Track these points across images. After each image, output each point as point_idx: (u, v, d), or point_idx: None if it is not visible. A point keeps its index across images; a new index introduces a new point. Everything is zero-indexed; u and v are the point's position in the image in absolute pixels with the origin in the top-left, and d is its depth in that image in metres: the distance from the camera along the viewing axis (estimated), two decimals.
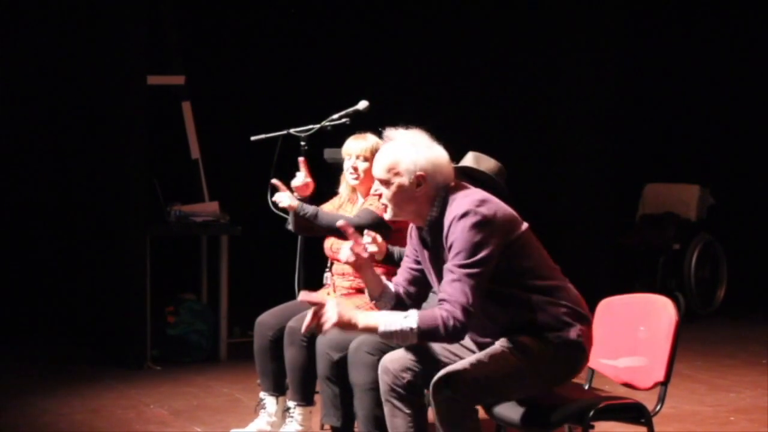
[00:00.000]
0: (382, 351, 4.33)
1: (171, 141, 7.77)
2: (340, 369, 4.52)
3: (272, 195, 5.03)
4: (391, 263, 4.62)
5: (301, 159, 5.07)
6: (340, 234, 4.72)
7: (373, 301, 3.94)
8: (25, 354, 7.30)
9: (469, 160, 4.58)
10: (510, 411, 3.75)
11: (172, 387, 6.42)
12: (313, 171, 5.14)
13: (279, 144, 5.34)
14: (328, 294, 5.06)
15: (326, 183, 5.30)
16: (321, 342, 4.60)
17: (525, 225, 3.73)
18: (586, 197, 9.06)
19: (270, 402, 5.02)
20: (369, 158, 5.03)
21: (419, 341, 3.58)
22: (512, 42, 9.13)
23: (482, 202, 3.63)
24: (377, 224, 4.75)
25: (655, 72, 9.83)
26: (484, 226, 3.57)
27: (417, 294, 3.94)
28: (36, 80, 7.90)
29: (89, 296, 7.58)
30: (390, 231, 4.84)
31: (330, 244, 5.06)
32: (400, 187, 3.72)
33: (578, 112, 9.14)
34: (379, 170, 3.76)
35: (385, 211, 3.79)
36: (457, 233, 3.57)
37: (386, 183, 3.74)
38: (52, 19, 7.87)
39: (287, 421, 4.90)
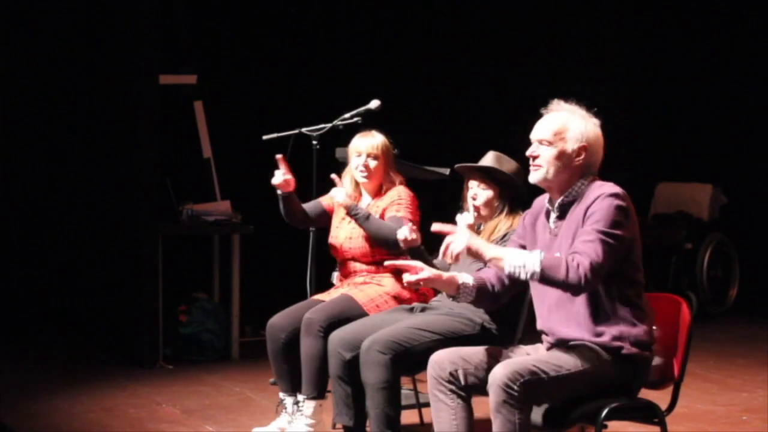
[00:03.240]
0: (394, 350, 4.34)
1: (183, 140, 7.78)
2: (351, 368, 4.52)
3: (279, 186, 5.05)
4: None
5: (279, 156, 5.04)
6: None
7: (453, 299, 3.93)
8: (37, 353, 7.32)
9: (490, 159, 4.56)
10: None
11: (184, 386, 6.43)
12: (319, 169, 5.14)
13: (291, 143, 5.34)
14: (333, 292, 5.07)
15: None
16: (333, 341, 4.60)
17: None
18: None
19: (289, 402, 5.00)
20: (378, 156, 5.02)
21: (541, 279, 3.57)
22: (522, 40, 9.12)
23: (626, 195, 3.70)
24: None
25: (667, 71, 9.80)
26: (627, 214, 3.67)
27: (508, 285, 3.89)
28: (48, 79, 7.92)
29: (102, 295, 7.59)
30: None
31: (340, 243, 5.05)
32: (562, 152, 3.76)
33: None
34: (545, 131, 3.79)
35: (536, 169, 3.75)
36: (604, 207, 3.64)
37: (548, 144, 3.76)
38: (65, 18, 7.89)
39: (296, 416, 4.87)
